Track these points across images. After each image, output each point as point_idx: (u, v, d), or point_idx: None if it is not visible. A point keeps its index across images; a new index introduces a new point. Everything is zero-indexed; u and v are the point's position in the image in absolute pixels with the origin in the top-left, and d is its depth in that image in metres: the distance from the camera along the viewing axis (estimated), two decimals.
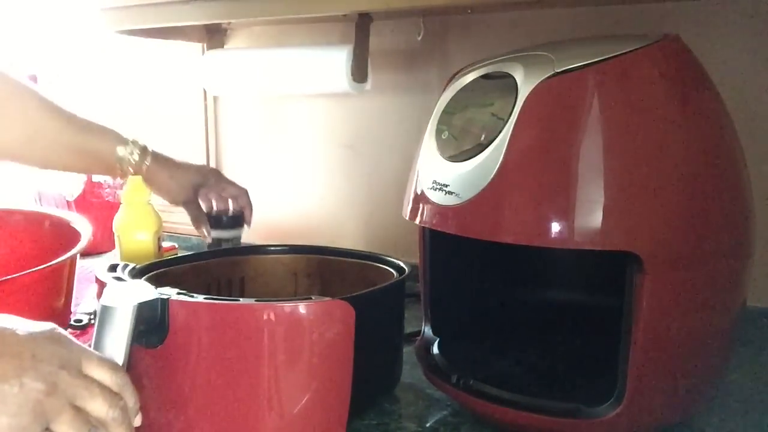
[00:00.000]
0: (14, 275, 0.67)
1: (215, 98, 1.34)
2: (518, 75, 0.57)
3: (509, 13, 1.00)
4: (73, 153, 0.86)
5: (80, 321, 0.90)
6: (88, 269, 1.07)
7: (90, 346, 0.50)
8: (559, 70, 0.55)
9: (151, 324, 0.53)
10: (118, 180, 1.35)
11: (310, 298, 0.56)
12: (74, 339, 0.48)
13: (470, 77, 0.63)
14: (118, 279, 0.64)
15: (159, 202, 0.99)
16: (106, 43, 1.44)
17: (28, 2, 1.50)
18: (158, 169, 0.91)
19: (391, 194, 1.14)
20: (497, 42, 1.01)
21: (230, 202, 0.97)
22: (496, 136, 0.56)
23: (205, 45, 1.23)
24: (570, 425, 0.58)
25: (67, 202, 1.32)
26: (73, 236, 0.81)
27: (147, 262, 0.74)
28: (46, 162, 0.87)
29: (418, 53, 1.09)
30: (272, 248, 0.86)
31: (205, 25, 1.18)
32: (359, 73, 1.01)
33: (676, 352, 0.56)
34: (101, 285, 0.62)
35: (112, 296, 0.52)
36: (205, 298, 0.55)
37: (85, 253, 1.30)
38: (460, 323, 0.75)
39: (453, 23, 1.05)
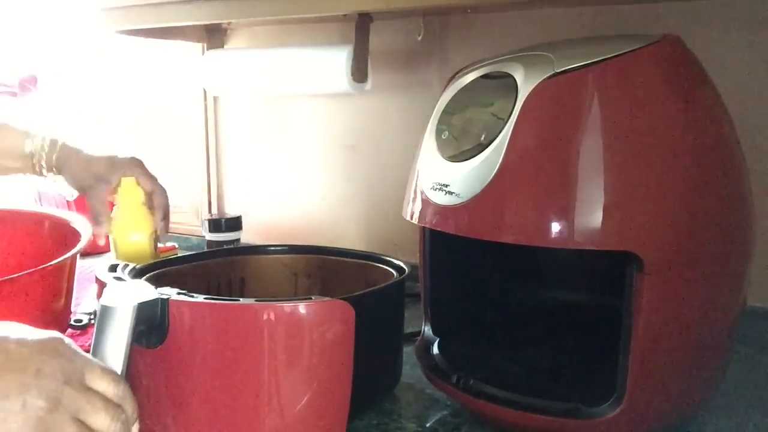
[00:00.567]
0: (14, 275, 0.67)
1: (215, 98, 1.34)
2: (518, 75, 0.57)
3: (509, 13, 1.00)
4: None
5: (80, 321, 0.90)
6: (88, 269, 1.07)
7: (90, 346, 0.50)
8: (559, 70, 0.55)
9: (151, 324, 0.53)
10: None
11: (310, 298, 0.56)
12: (77, 349, 0.48)
13: (470, 77, 0.63)
14: (118, 279, 0.64)
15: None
16: (106, 43, 1.45)
17: (28, 2, 1.50)
18: (67, 156, 0.87)
19: (391, 194, 1.14)
20: (497, 42, 1.01)
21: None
22: (496, 136, 0.56)
23: (205, 45, 1.23)
24: (570, 425, 0.58)
25: (67, 202, 1.32)
26: (73, 236, 0.81)
27: (147, 263, 0.74)
28: None
29: (418, 53, 1.09)
30: (272, 248, 0.86)
31: (205, 25, 1.18)
32: (359, 73, 1.01)
33: (676, 352, 0.56)
34: (101, 285, 0.62)
35: (112, 296, 0.52)
36: (205, 298, 0.55)
37: (85, 253, 1.30)
38: (460, 323, 0.75)
39: (453, 23, 1.05)
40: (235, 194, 1.12)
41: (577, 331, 0.75)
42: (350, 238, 1.19)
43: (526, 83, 0.56)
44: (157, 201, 0.88)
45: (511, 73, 0.58)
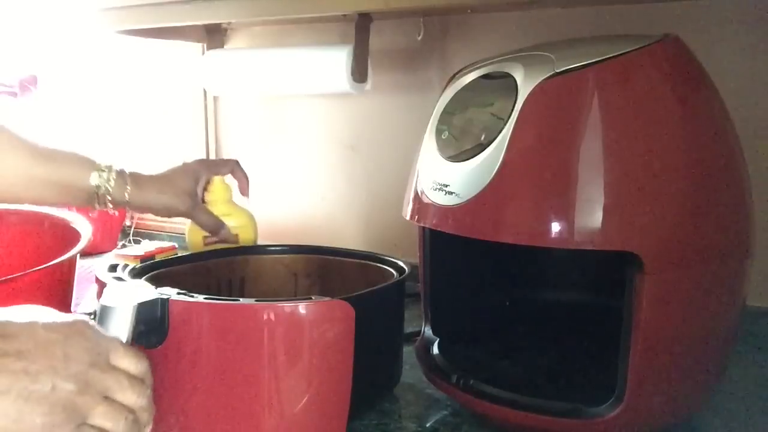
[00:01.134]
0: (14, 275, 0.67)
1: (215, 98, 1.34)
2: (518, 75, 0.57)
3: (509, 13, 1.00)
4: (42, 185, 0.77)
5: None
6: (88, 269, 1.07)
7: None
8: (559, 70, 0.55)
9: (151, 324, 0.53)
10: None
11: (310, 298, 0.56)
12: (101, 330, 0.49)
13: (470, 77, 0.63)
14: (118, 279, 0.64)
15: None
16: (106, 43, 1.45)
17: (28, 2, 1.50)
18: (142, 191, 0.83)
19: (391, 194, 1.14)
20: (497, 42, 1.01)
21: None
22: (496, 136, 0.55)
23: (205, 45, 1.23)
24: (570, 425, 0.58)
25: None
26: (73, 236, 0.81)
27: (147, 263, 0.74)
28: (17, 198, 0.79)
29: (418, 53, 1.09)
30: (272, 248, 0.86)
31: (205, 25, 1.18)
32: (359, 73, 1.01)
33: (676, 352, 0.56)
34: (101, 285, 0.62)
35: (112, 296, 0.52)
36: (205, 298, 0.55)
37: (85, 253, 1.30)
38: (460, 323, 0.75)
39: (453, 23, 1.05)
40: (235, 194, 1.12)
41: (577, 332, 0.76)
42: (350, 238, 1.19)
43: (526, 83, 0.56)
44: (238, 174, 0.93)
45: (511, 73, 0.58)
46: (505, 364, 0.70)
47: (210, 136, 1.36)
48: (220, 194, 1.02)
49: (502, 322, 0.78)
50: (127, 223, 1.44)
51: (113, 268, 0.67)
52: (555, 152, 0.54)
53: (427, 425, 0.65)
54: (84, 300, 0.99)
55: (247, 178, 0.94)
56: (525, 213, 0.54)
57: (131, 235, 1.44)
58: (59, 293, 0.75)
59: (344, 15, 0.99)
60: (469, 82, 0.63)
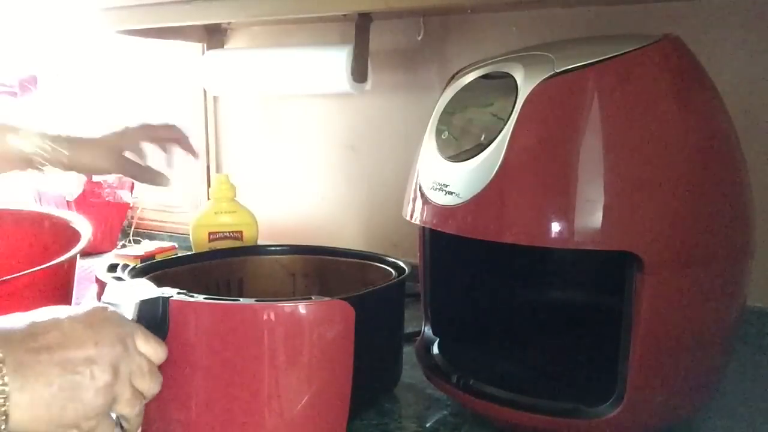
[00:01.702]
0: (14, 275, 0.67)
1: (215, 98, 1.34)
2: (518, 75, 0.57)
3: (509, 13, 1.00)
4: None
5: None
6: (88, 269, 1.07)
7: None
8: (559, 70, 0.55)
9: (151, 323, 0.53)
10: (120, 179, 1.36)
11: (310, 298, 0.56)
12: (120, 313, 0.50)
13: (470, 77, 0.63)
14: (118, 279, 0.64)
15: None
16: (106, 43, 1.45)
17: (28, 2, 1.50)
18: (78, 154, 0.85)
19: (391, 194, 1.14)
20: (497, 42, 1.01)
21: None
22: (496, 136, 0.55)
23: (205, 45, 1.23)
24: (570, 425, 0.58)
25: (67, 202, 1.32)
26: (73, 236, 0.81)
27: (146, 263, 0.74)
28: None
29: (418, 53, 1.09)
30: (270, 248, 0.86)
31: (205, 25, 1.18)
32: (359, 73, 1.01)
33: (676, 352, 0.56)
34: (101, 285, 0.62)
35: (113, 294, 0.52)
36: (205, 298, 0.55)
37: (85, 253, 1.30)
38: (460, 323, 0.74)
39: (453, 23, 1.05)
40: (237, 194, 1.12)
41: (578, 331, 0.76)
42: (350, 238, 1.19)
43: (526, 83, 0.56)
44: (176, 133, 0.90)
45: (511, 73, 0.58)
46: (505, 364, 0.70)
47: (210, 136, 1.36)
48: (223, 193, 1.04)
49: (503, 322, 0.78)
50: (127, 223, 1.44)
51: (113, 268, 0.67)
52: (555, 152, 0.54)
53: (427, 425, 0.65)
54: (84, 300, 0.99)
55: (186, 139, 0.91)
56: (525, 213, 0.54)
57: (131, 235, 1.44)
58: (59, 293, 0.75)
59: (344, 15, 0.99)
60: (469, 82, 0.63)
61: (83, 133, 0.89)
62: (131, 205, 1.41)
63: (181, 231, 1.40)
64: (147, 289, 0.54)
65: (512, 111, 0.55)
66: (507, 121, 0.55)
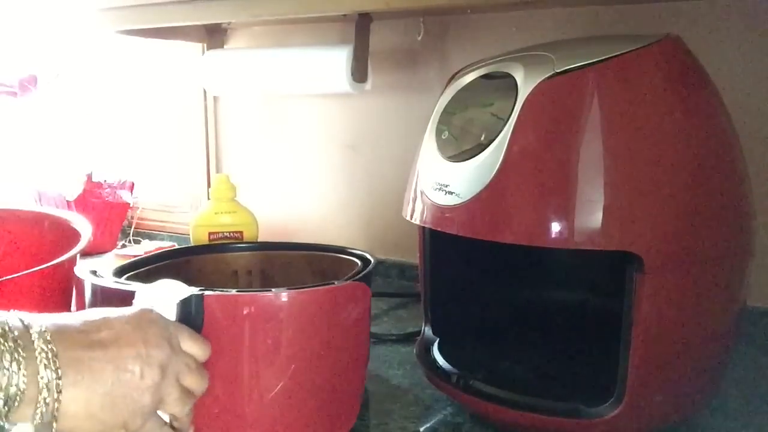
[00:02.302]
0: (14, 275, 0.67)
1: (215, 98, 1.34)
2: (518, 75, 0.57)
3: (509, 13, 1.00)
4: None
5: None
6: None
7: None
8: (559, 70, 0.55)
9: (186, 321, 0.53)
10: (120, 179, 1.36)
11: (333, 283, 0.60)
12: (163, 314, 0.50)
13: (470, 77, 0.63)
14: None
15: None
16: (106, 43, 1.45)
17: (28, 2, 1.50)
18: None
19: (391, 194, 1.14)
20: (497, 42, 1.01)
21: None
22: (496, 136, 0.55)
23: (205, 45, 1.23)
24: (570, 425, 0.58)
25: (67, 202, 1.32)
26: (74, 236, 0.81)
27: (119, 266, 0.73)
28: None
29: (418, 53, 1.09)
30: (213, 247, 0.86)
31: (205, 25, 1.18)
32: (359, 73, 1.01)
33: (676, 352, 0.56)
34: (80, 287, 0.62)
35: (148, 298, 0.51)
36: (237, 291, 0.57)
37: (86, 253, 1.30)
38: (460, 323, 0.74)
39: (453, 23, 1.05)
40: (238, 194, 1.12)
41: (578, 331, 0.75)
42: (350, 238, 1.19)
43: (526, 83, 0.56)
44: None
45: (511, 73, 0.58)
46: (505, 364, 0.70)
47: (210, 136, 1.36)
48: (223, 193, 1.04)
49: (502, 322, 0.78)
50: (127, 223, 1.45)
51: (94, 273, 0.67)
52: (555, 152, 0.54)
53: (427, 425, 0.65)
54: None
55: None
56: (525, 213, 0.54)
57: (131, 235, 1.44)
58: (59, 293, 0.75)
59: (344, 15, 0.99)
60: (469, 82, 0.63)
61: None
62: (131, 205, 1.41)
63: (181, 231, 1.40)
64: (178, 288, 0.54)
65: (512, 111, 0.55)
66: (507, 121, 0.55)
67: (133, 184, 1.40)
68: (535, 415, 0.58)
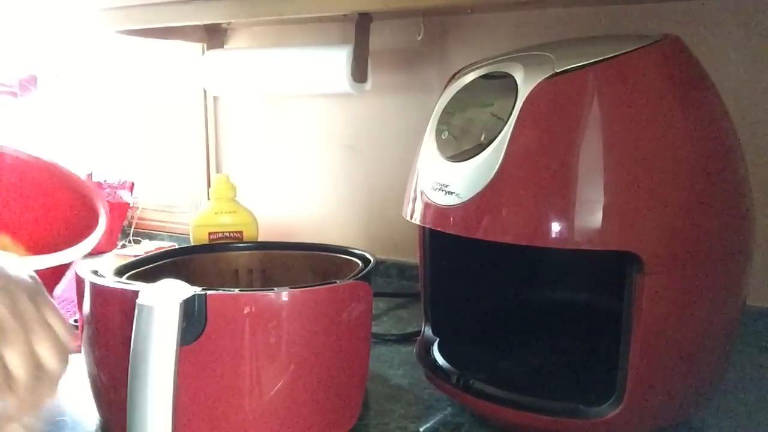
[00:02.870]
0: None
1: (215, 98, 1.34)
2: (518, 75, 0.57)
3: (509, 13, 1.00)
4: None
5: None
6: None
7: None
8: (559, 70, 0.55)
9: (189, 320, 0.53)
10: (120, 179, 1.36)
11: (335, 282, 0.60)
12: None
13: (470, 77, 0.63)
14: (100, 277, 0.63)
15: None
16: (106, 43, 1.45)
17: (28, 2, 1.50)
18: None
19: (391, 194, 1.14)
20: (497, 42, 1.01)
21: None
22: (496, 136, 0.56)
23: (205, 45, 1.23)
24: (570, 425, 0.58)
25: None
26: (87, 221, 0.79)
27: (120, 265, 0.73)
28: None
29: (418, 53, 1.09)
30: (215, 246, 0.86)
31: (205, 25, 1.18)
32: (359, 73, 1.01)
33: (676, 352, 0.56)
34: (81, 286, 0.62)
35: (150, 297, 0.51)
36: (240, 290, 0.57)
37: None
38: (460, 323, 0.74)
39: (453, 23, 1.05)
40: (238, 194, 1.13)
41: (578, 331, 0.76)
42: (350, 238, 1.19)
43: (526, 83, 0.56)
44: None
45: (511, 73, 0.58)
46: (505, 364, 0.70)
47: (210, 136, 1.36)
48: (223, 193, 1.04)
49: (503, 321, 0.78)
50: (127, 223, 1.44)
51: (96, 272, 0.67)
52: (555, 152, 0.54)
53: (428, 425, 0.65)
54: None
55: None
56: (525, 213, 0.54)
57: (131, 235, 1.44)
58: (57, 280, 0.74)
59: (344, 15, 0.99)
60: (469, 82, 0.63)
61: None
62: (131, 205, 1.41)
63: (181, 231, 1.40)
64: (181, 287, 0.54)
65: (512, 111, 0.55)
66: (507, 121, 0.55)
67: (133, 184, 1.40)
68: (535, 415, 0.58)
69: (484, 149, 0.56)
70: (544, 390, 0.62)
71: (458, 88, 0.64)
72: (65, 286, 1.09)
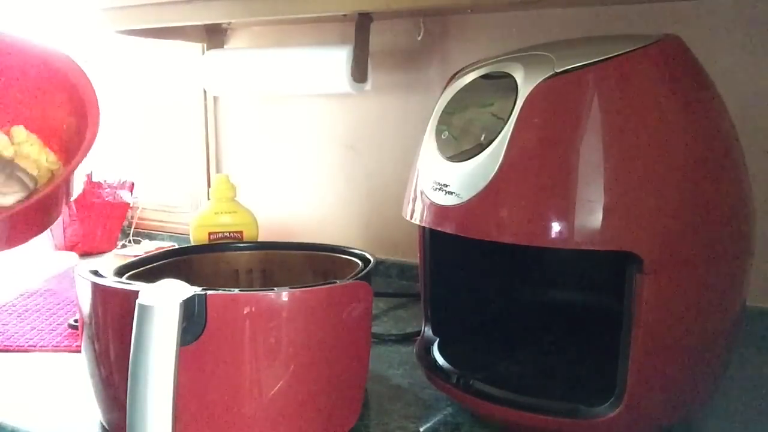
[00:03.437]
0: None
1: (215, 98, 1.34)
2: (518, 75, 0.57)
3: (509, 13, 1.00)
4: None
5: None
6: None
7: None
8: (559, 70, 0.55)
9: (189, 320, 0.53)
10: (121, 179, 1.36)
11: (335, 282, 0.60)
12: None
13: (470, 77, 0.63)
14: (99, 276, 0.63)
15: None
16: (106, 43, 1.45)
17: (29, 2, 1.50)
18: None
19: (391, 194, 1.14)
20: (497, 42, 1.01)
21: None
22: (496, 136, 0.56)
23: (205, 45, 1.23)
24: (570, 425, 0.58)
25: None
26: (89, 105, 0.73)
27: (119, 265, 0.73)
28: None
29: (418, 53, 1.09)
30: (215, 246, 0.86)
31: (205, 25, 1.18)
32: (359, 73, 1.01)
33: (676, 352, 0.56)
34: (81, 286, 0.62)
35: (150, 297, 0.51)
36: (240, 290, 0.57)
37: (85, 253, 1.31)
38: (460, 323, 0.75)
39: (453, 23, 1.05)
40: (238, 194, 1.13)
41: (577, 331, 0.76)
42: (350, 238, 1.19)
43: (526, 83, 0.56)
44: None
45: (511, 73, 0.58)
46: (505, 364, 0.70)
47: (210, 136, 1.36)
48: (223, 193, 1.05)
49: (502, 321, 0.78)
50: (127, 223, 1.45)
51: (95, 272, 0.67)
52: (555, 152, 0.54)
53: (428, 425, 0.65)
54: None
55: None
56: (525, 213, 0.54)
57: (131, 235, 1.44)
58: (56, 207, 0.73)
59: (344, 15, 0.99)
60: (469, 82, 0.63)
61: None
62: (131, 205, 1.41)
63: (181, 231, 1.40)
64: (181, 287, 0.54)
65: (512, 111, 0.55)
66: (507, 121, 0.55)
67: (133, 184, 1.40)
68: (535, 415, 0.58)
69: (484, 149, 0.56)
70: (544, 390, 0.62)
71: (458, 88, 0.64)
72: (65, 286, 1.09)
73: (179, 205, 1.42)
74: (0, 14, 1.51)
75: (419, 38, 1.07)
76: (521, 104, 0.55)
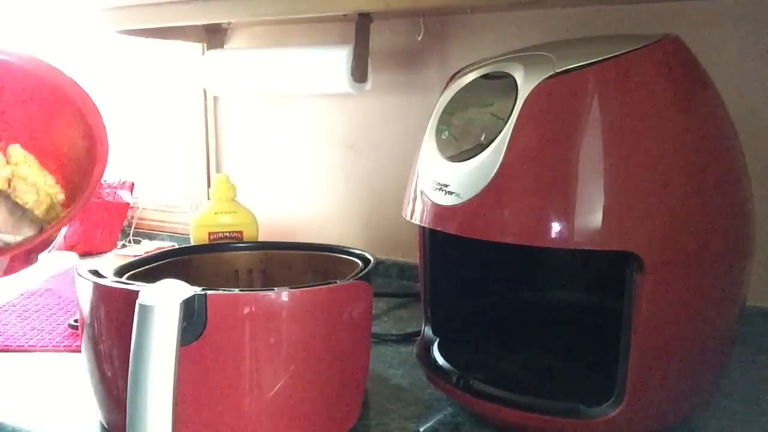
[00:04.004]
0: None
1: (215, 98, 1.34)
2: (518, 75, 0.57)
3: (509, 13, 1.00)
4: None
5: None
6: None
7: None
8: (559, 70, 0.55)
9: (189, 321, 0.53)
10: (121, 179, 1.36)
11: (335, 282, 0.60)
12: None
13: (470, 77, 0.63)
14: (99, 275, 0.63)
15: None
16: (106, 43, 1.45)
17: (28, 2, 1.50)
18: None
19: (391, 194, 1.14)
20: (497, 42, 1.01)
21: None
22: (496, 136, 0.56)
23: (205, 45, 1.23)
24: (570, 425, 0.58)
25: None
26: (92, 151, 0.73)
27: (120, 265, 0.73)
28: None
29: (418, 53, 1.09)
30: (215, 246, 0.86)
31: (205, 25, 1.18)
32: (359, 73, 1.01)
33: (676, 352, 0.56)
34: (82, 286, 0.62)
35: (150, 297, 0.51)
36: (240, 290, 0.57)
37: (85, 253, 1.30)
38: (460, 323, 0.75)
39: (453, 23, 1.05)
40: (238, 194, 1.13)
41: (577, 331, 0.76)
42: (350, 238, 1.19)
43: (526, 83, 0.56)
44: None
45: (511, 73, 0.58)
46: (505, 364, 0.70)
47: (210, 136, 1.36)
48: (223, 193, 1.05)
49: (503, 321, 0.78)
50: (127, 223, 1.45)
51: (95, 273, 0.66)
52: (555, 152, 0.54)
53: (428, 425, 0.65)
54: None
55: None
56: (525, 213, 0.54)
57: (131, 235, 1.44)
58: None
59: (344, 15, 0.99)
60: (469, 82, 0.63)
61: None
62: (131, 205, 1.41)
63: (181, 231, 1.40)
64: (181, 287, 0.53)
65: (512, 111, 0.55)
66: (507, 121, 0.55)
67: (133, 184, 1.40)
68: (535, 415, 0.58)
69: (484, 149, 0.56)
70: (544, 390, 0.62)
71: (458, 88, 0.64)
72: (65, 286, 1.09)
73: (179, 205, 1.42)
74: (0, 14, 1.51)
75: (419, 38, 1.07)
76: (521, 104, 0.55)
